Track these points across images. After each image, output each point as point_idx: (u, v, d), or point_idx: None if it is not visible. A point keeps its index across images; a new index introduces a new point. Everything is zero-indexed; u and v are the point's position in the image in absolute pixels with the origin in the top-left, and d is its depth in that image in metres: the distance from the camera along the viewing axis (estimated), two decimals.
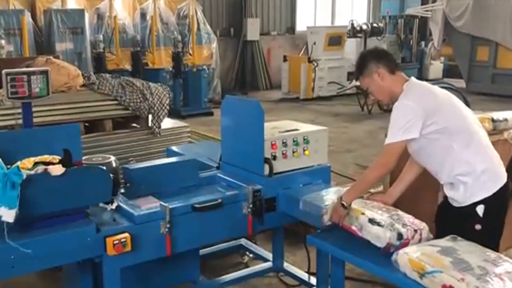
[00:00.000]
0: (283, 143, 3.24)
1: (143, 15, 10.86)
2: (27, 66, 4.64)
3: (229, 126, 3.49)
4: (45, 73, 3.40)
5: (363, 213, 2.71)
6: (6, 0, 9.19)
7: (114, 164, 3.42)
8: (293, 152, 3.29)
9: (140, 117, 5.12)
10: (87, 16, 9.69)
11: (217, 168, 3.61)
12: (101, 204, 2.87)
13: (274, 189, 3.18)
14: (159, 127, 5.14)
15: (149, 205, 3.01)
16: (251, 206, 3.08)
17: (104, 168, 2.80)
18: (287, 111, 11.00)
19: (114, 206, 2.88)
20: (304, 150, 3.34)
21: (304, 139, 3.34)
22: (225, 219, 3.07)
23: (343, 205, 2.77)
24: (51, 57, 5.10)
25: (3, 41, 7.95)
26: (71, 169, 2.62)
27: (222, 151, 3.56)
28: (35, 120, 4.27)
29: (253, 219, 3.11)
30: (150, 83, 5.25)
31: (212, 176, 3.52)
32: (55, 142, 2.90)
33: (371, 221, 2.66)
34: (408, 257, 2.37)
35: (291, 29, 15.30)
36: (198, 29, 11.38)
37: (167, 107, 5.18)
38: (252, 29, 13.62)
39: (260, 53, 14.02)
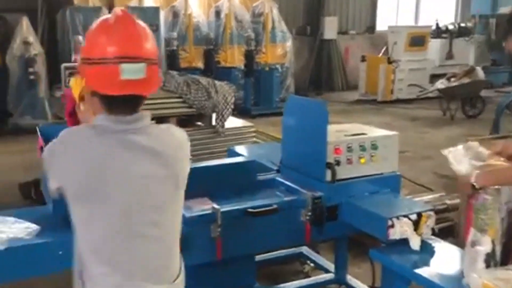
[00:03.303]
0: (348, 147, 3.03)
1: (217, 13, 10.90)
2: None
3: (291, 127, 3.33)
4: None
5: None
6: None
7: None
8: (359, 158, 3.07)
9: (204, 115, 5.07)
10: (162, 13, 9.84)
11: (277, 171, 3.46)
12: None
13: (336, 197, 2.99)
14: (223, 126, 5.07)
15: (202, 206, 2.91)
16: (309, 213, 2.91)
17: None
18: (362, 113, 10.71)
19: None
20: (371, 156, 3.12)
21: (372, 145, 3.12)
22: (281, 226, 2.93)
23: (473, 186, 2.25)
24: None
25: (80, 38, 8.22)
26: None
27: (283, 154, 3.41)
28: None
29: (311, 227, 2.95)
30: (216, 81, 5.19)
31: (271, 179, 3.37)
32: None
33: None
34: (481, 281, 2.13)
35: (371, 28, 14.87)
36: (273, 27, 11.26)
37: (232, 106, 5.09)
38: (330, 28, 13.37)
39: (337, 53, 13.76)
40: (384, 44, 12.77)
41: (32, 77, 8.21)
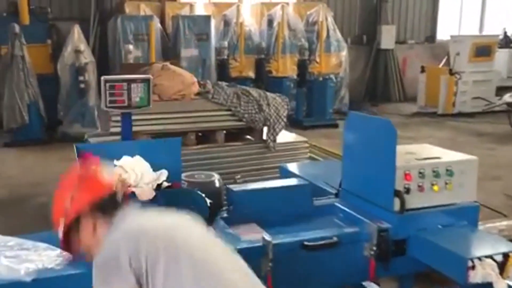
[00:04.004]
0: (419, 173, 2.73)
1: (270, 22, 10.68)
2: (143, 72, 4.53)
3: (353, 147, 3.05)
4: (146, 81, 3.15)
5: None
6: (138, 6, 9.51)
7: (217, 184, 3.16)
8: (432, 185, 2.75)
9: (255, 129, 4.81)
10: (213, 22, 9.71)
11: (336, 195, 3.18)
12: None
13: (405, 229, 2.71)
14: (275, 140, 4.78)
15: (251, 235, 2.69)
16: (374, 248, 2.64)
17: (200, 192, 2.50)
18: (422, 127, 10.17)
19: None
20: (446, 184, 2.78)
21: (447, 170, 2.81)
22: (341, 261, 2.67)
23: None
24: (167, 63, 4.96)
25: (131, 46, 8.17)
26: (162, 194, 2.39)
27: (343, 176, 3.13)
28: (147, 128, 4.24)
29: (376, 263, 2.67)
30: (268, 93, 4.92)
31: (329, 205, 3.10)
32: (154, 156, 2.71)
33: None
34: None
35: (431, 37, 14.23)
36: (328, 36, 10.92)
37: (285, 119, 4.80)
38: (387, 37, 12.87)
39: (395, 63, 13.23)
40: (446, 54, 12.22)
41: (82, 85, 8.19)
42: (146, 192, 2.30)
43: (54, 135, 8.43)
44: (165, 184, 2.57)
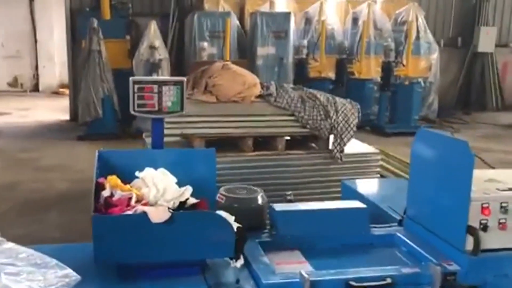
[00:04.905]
0: (501, 207, 2.32)
1: (355, 20, 10.22)
2: (203, 71, 4.28)
3: (421, 170, 2.65)
4: (179, 83, 2.85)
5: None
6: (217, 2, 9.38)
7: (260, 201, 2.80)
8: None
9: (320, 137, 4.40)
10: (292, 19, 9.39)
11: (399, 223, 2.78)
12: None
13: (478, 274, 2.32)
14: (342, 151, 4.37)
15: (289, 265, 2.37)
16: None
17: (224, 216, 2.13)
18: None
19: (238, 264, 2.23)
20: None
21: None
22: None
23: None
24: (228, 62, 4.67)
25: (205, 43, 8.02)
26: (178, 216, 2.05)
27: (408, 202, 2.74)
28: (201, 131, 4.08)
29: None
30: (337, 98, 4.49)
31: (388, 235, 2.69)
32: (187, 167, 2.49)
33: None
34: None
35: None
36: (418, 37, 10.27)
37: (354, 128, 4.36)
38: (486, 39, 11.95)
39: (493, 68, 12.29)
40: None
41: None
42: (159, 213, 1.98)
43: (127, 130, 8.49)
44: (191, 201, 2.26)
